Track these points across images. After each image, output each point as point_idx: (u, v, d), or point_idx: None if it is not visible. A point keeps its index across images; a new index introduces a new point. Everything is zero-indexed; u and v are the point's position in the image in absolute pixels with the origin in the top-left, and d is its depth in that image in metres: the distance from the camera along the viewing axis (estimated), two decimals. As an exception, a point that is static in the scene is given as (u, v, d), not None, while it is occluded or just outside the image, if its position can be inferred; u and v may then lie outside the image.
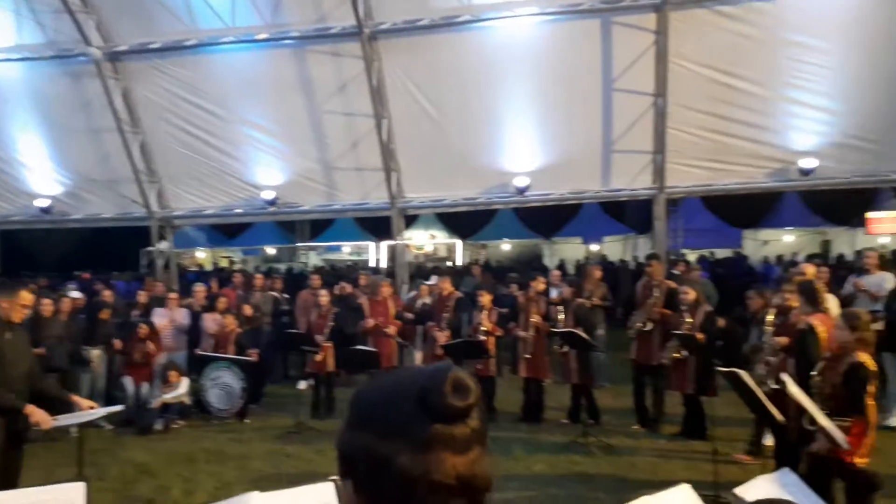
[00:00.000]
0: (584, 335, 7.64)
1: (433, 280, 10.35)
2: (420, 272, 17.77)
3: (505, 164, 11.88)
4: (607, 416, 8.20)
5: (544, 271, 11.36)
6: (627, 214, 20.92)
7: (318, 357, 8.79)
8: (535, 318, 8.19)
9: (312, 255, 27.69)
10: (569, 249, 24.55)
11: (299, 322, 10.23)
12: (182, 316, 9.67)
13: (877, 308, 7.92)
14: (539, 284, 8.44)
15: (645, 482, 5.78)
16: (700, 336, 7.05)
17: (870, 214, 13.27)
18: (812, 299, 5.30)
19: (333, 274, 18.40)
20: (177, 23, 11.48)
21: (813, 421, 4.21)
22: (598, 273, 9.91)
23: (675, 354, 7.23)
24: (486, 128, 11.64)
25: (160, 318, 9.38)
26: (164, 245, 13.48)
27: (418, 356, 9.91)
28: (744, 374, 4.87)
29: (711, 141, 11.03)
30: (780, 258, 19.48)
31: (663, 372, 7.66)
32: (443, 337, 8.44)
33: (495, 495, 0.93)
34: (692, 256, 18.85)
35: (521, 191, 11.80)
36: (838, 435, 4.07)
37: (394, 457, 0.86)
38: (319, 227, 24.74)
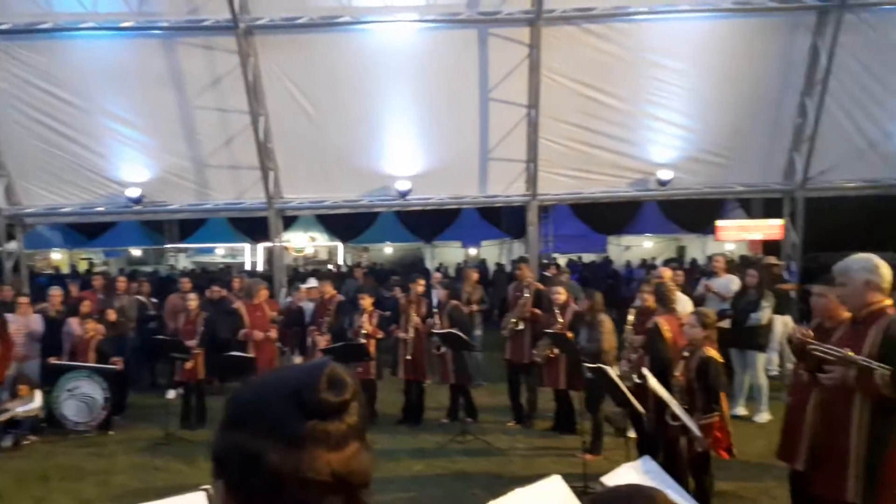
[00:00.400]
0: (462, 336, 7.82)
1: (311, 283, 10.18)
2: (298, 275, 17.41)
3: (386, 167, 11.92)
4: (484, 414, 8.44)
5: (426, 274, 11.50)
6: (503, 220, 21.63)
7: (189, 364, 8.38)
8: (415, 320, 8.29)
9: (182, 258, 26.31)
10: (449, 253, 25.05)
11: (167, 327, 9.71)
12: (35, 322, 8.89)
13: (725, 308, 8.70)
14: (419, 287, 8.53)
15: (520, 476, 6.02)
16: (570, 334, 7.43)
17: (718, 223, 14.50)
18: (663, 300, 5.75)
19: (205, 277, 17.60)
20: (30, 3, 10.53)
21: (674, 416, 4.58)
22: (474, 276, 10.24)
23: (547, 352, 7.56)
24: (367, 130, 11.62)
25: (9, 324, 8.55)
26: (12, 245, 12.30)
27: (297, 361, 9.71)
28: (609, 369, 5.20)
29: (579, 152, 11.66)
30: (644, 262, 20.90)
31: (536, 369, 8.00)
32: (323, 341, 8.35)
33: (375, 497, 0.94)
34: (562, 260, 19.83)
35: (403, 194, 11.88)
36: (693, 426, 4.45)
37: (265, 454, 0.85)
38: (190, 228, 23.51)
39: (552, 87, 11.14)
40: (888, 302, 3.57)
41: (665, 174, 11.66)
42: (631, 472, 2.95)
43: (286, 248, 20.78)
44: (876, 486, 3.34)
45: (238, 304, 9.19)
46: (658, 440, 5.22)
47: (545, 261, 16.28)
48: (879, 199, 12.64)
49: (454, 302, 8.53)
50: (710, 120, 11.49)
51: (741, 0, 10.57)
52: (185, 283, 10.43)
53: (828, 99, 11.02)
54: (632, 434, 6.09)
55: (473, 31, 10.95)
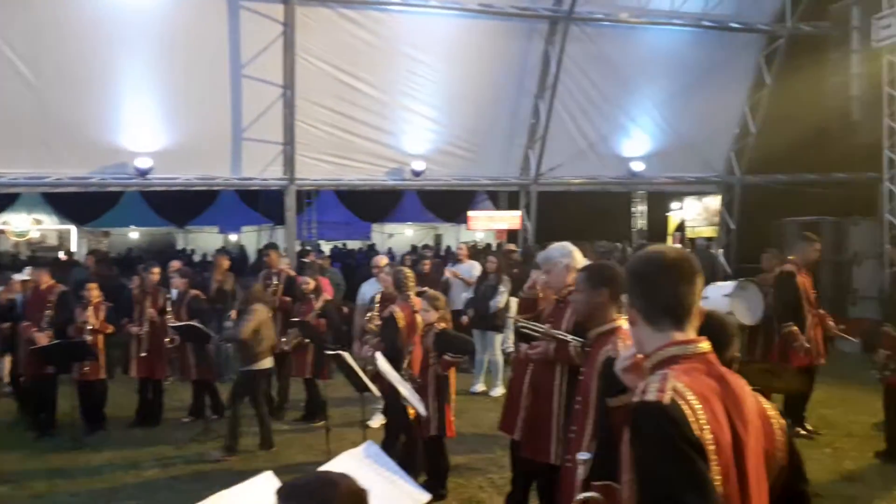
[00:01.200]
0: (203, 328, 7.36)
1: (27, 273, 8.83)
2: (18, 263, 15.12)
3: (123, 141, 10.82)
4: (233, 409, 8.04)
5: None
6: (262, 204, 20.93)
7: None
8: (151, 312, 7.62)
9: None
10: (205, 238, 23.56)
11: None
12: None
13: (470, 295, 9.22)
14: (154, 276, 7.84)
15: (263, 471, 5.80)
16: (320, 322, 7.36)
17: (469, 213, 15.47)
18: (400, 287, 5.94)
19: None
20: None
21: (402, 396, 4.75)
22: (226, 263, 9.71)
23: (295, 341, 7.43)
24: (98, 99, 10.45)
25: None
26: None
27: (6, 364, 8.39)
28: (347, 355, 5.23)
29: (337, 137, 11.68)
30: (415, 248, 21.53)
31: (287, 359, 7.80)
32: (43, 338, 7.29)
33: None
34: (327, 247, 19.73)
35: (143, 173, 10.86)
36: (419, 406, 4.65)
37: None
38: None
39: (308, 69, 10.97)
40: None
41: (418, 165, 12.13)
42: (348, 460, 2.95)
43: (2, 232, 18.22)
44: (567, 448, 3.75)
45: (-79, 300, 7.66)
46: (398, 424, 5.38)
47: (308, 248, 16.05)
48: (597, 195, 14.46)
49: (194, 292, 7.99)
50: (458, 115, 12.20)
51: (485, 3, 11.31)
52: None
53: (556, 103, 12.31)
54: (373, 423, 6.22)
55: (223, 1, 10.31)
